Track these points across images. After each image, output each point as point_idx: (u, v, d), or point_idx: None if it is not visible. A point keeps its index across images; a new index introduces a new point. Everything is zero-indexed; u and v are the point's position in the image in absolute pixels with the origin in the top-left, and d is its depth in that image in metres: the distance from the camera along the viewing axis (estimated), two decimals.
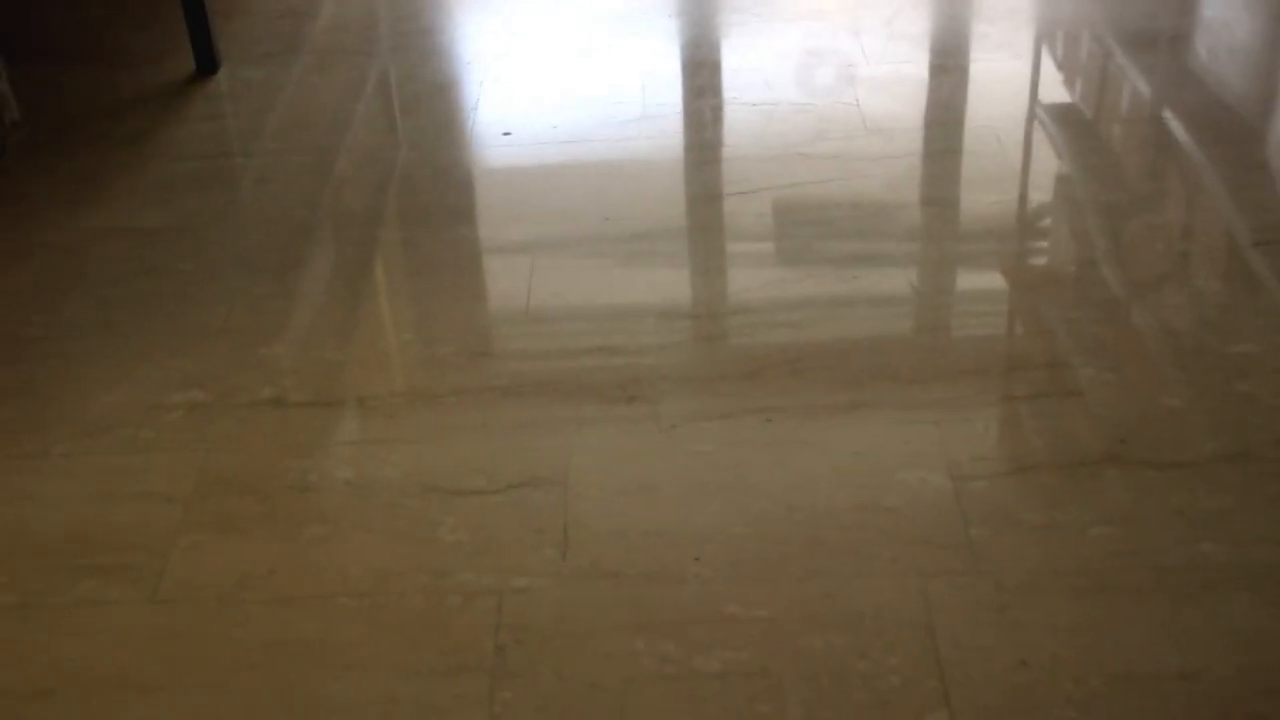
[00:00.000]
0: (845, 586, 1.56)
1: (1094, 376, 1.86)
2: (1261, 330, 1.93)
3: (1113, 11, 2.87)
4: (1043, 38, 2.79)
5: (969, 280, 2.10)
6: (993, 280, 2.09)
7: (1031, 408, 1.81)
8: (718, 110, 2.57)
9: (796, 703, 1.42)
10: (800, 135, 2.46)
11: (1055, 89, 2.61)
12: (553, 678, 1.45)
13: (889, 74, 2.65)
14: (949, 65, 2.71)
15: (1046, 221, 2.23)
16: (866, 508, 1.66)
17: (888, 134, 2.45)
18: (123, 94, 2.71)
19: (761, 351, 1.93)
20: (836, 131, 2.46)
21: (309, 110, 2.61)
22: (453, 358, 1.95)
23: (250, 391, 1.90)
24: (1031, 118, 2.50)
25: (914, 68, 2.68)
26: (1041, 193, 2.30)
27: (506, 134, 2.51)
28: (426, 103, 2.64)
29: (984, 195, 2.28)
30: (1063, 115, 2.51)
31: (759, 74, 2.68)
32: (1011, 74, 2.65)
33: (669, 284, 2.09)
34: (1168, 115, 2.48)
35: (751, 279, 2.10)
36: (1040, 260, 2.11)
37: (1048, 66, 2.68)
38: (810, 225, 2.20)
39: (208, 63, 2.75)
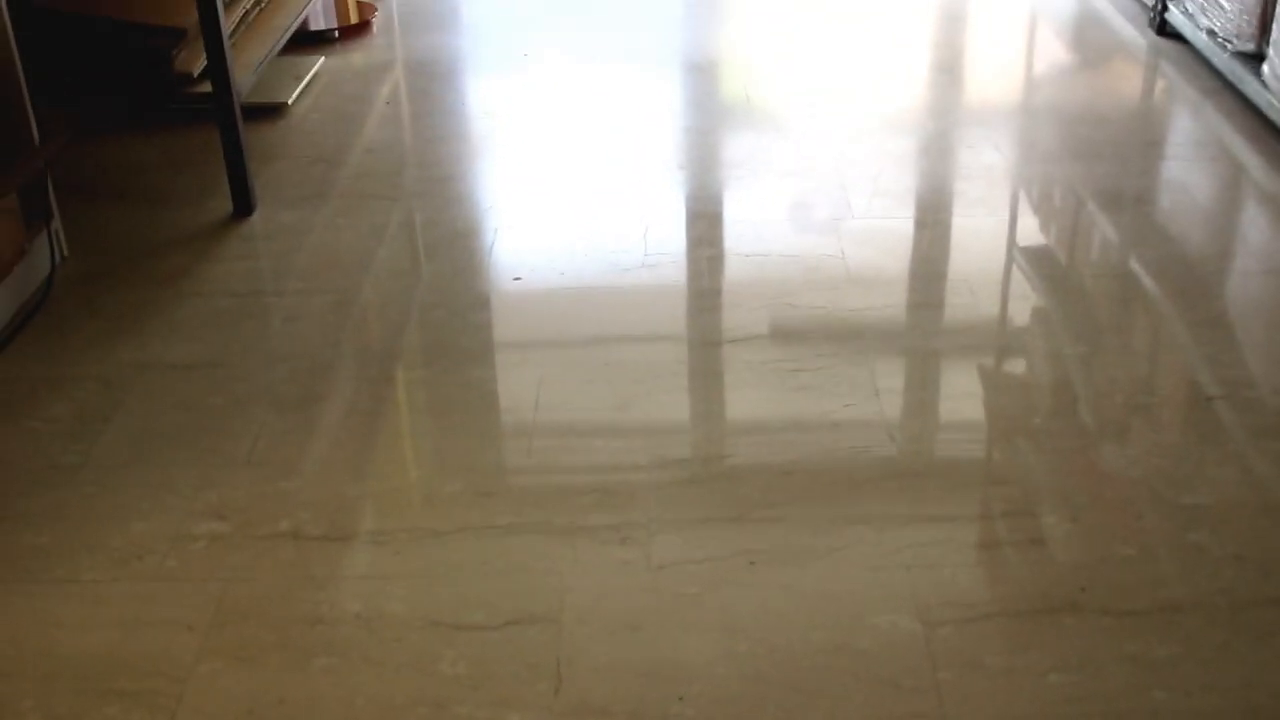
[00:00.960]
0: None
1: (1056, 525, 1.87)
2: (1212, 482, 1.95)
3: (1080, 171, 2.92)
4: (1017, 196, 2.84)
5: (941, 429, 2.12)
6: (963, 429, 2.12)
7: (997, 555, 1.83)
8: (714, 260, 2.61)
9: None
10: (789, 285, 2.49)
11: (1029, 243, 2.64)
12: None
13: (873, 228, 2.70)
14: (929, 220, 2.75)
15: (1016, 372, 2.25)
16: (840, 650, 1.67)
17: (870, 285, 2.49)
18: (164, 233, 2.76)
19: (746, 495, 1.95)
20: (823, 282, 2.50)
21: (335, 252, 2.66)
22: (459, 496, 1.97)
23: (269, 524, 1.92)
24: (1008, 271, 2.54)
25: (896, 222, 2.72)
26: (1013, 344, 2.33)
27: (517, 279, 2.56)
28: (445, 247, 2.68)
29: (958, 345, 2.31)
30: (1036, 268, 2.54)
31: (752, 225, 2.73)
32: (986, 230, 2.69)
33: (662, 428, 2.11)
34: (1132, 270, 2.51)
35: (738, 425, 2.13)
36: (1009, 409, 2.14)
37: (1022, 223, 2.73)
38: (794, 374, 2.23)
39: (244, 205, 2.81)
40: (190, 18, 2.71)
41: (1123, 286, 2.48)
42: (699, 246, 2.66)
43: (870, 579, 1.78)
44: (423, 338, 2.38)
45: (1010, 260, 2.58)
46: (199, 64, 2.77)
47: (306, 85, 3.46)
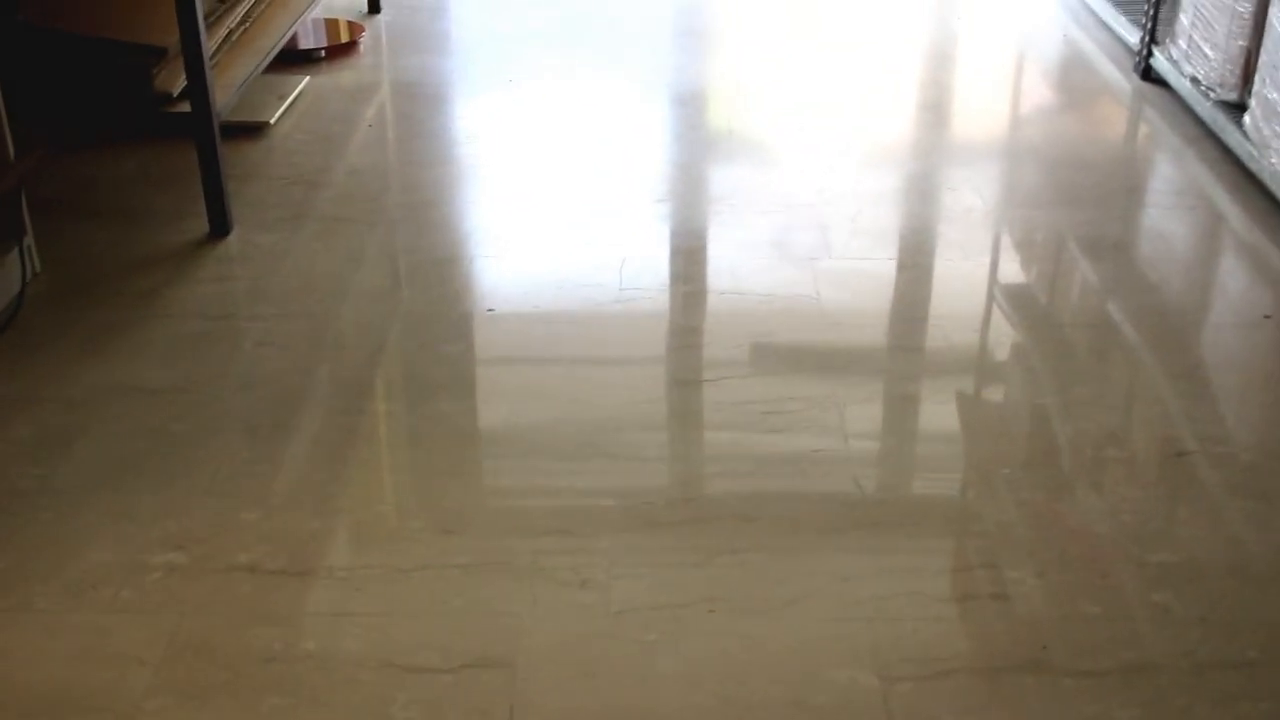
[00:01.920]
0: None
1: (1021, 580, 1.85)
2: (1180, 540, 1.93)
3: (1061, 217, 2.91)
4: (996, 241, 2.82)
5: (910, 477, 2.10)
6: (932, 478, 2.10)
7: (960, 609, 1.80)
8: (690, 297, 2.59)
9: None
10: (764, 325, 2.47)
11: (1008, 289, 2.63)
12: None
13: (850, 268, 2.68)
14: (907, 262, 2.74)
15: (988, 421, 2.23)
16: (798, 705, 1.65)
17: (845, 327, 2.47)
18: (139, 252, 2.73)
19: (709, 541, 1.93)
20: (798, 323, 2.48)
21: (311, 277, 2.64)
22: (420, 533, 1.95)
23: (227, 556, 1.89)
24: (986, 317, 2.52)
25: (874, 263, 2.71)
26: (986, 393, 2.31)
27: (490, 310, 2.53)
28: (422, 274, 2.66)
29: (931, 391, 2.29)
30: (1013, 315, 2.53)
31: (730, 262, 2.71)
32: (964, 274, 2.67)
33: (627, 469, 2.09)
34: (1110, 320, 2.50)
35: (704, 468, 2.11)
36: (979, 459, 2.12)
37: (1002, 268, 2.71)
38: (764, 417, 2.21)
39: (221, 226, 2.78)
40: (171, 36, 2.69)
41: (1099, 336, 2.46)
42: (675, 282, 2.64)
43: (831, 631, 1.76)
44: (394, 368, 2.36)
45: (989, 306, 2.56)
46: (179, 83, 2.75)
47: (290, 105, 3.44)
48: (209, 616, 1.79)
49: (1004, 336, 2.47)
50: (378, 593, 1.83)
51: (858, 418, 2.20)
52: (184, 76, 2.68)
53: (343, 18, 4.06)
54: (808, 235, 2.81)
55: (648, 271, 2.67)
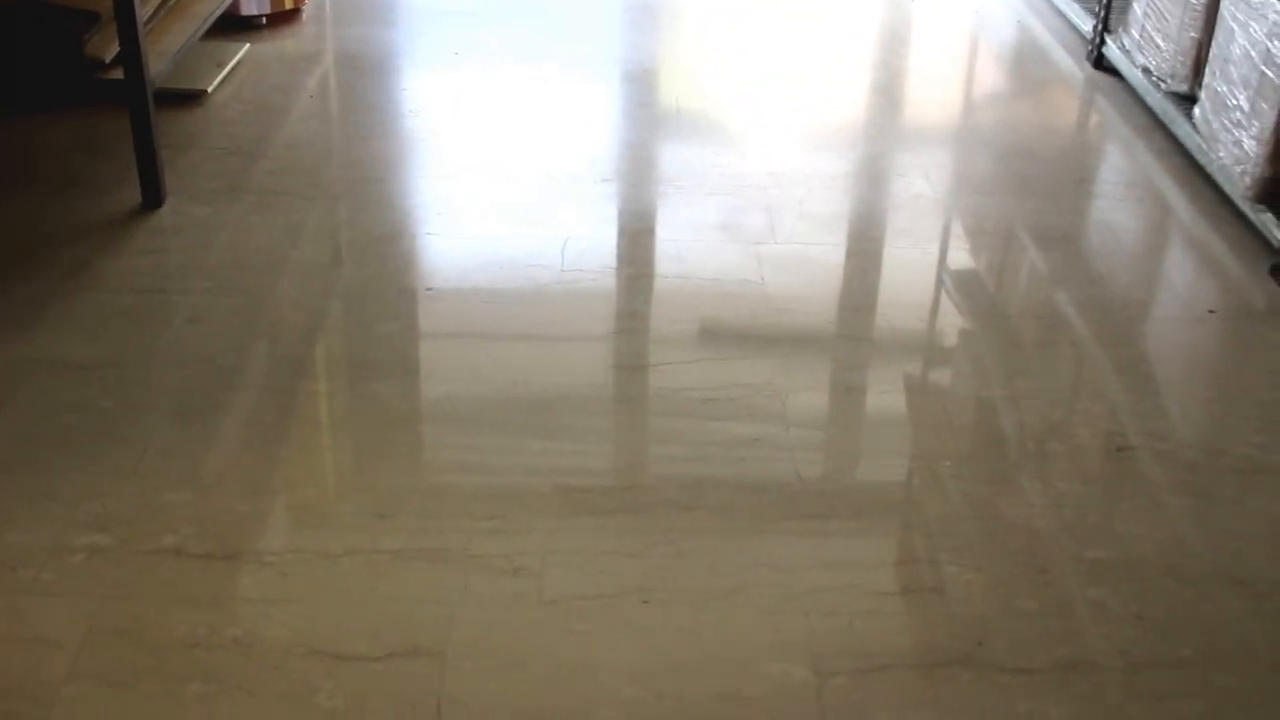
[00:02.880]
0: None
1: (958, 575, 1.86)
2: (1117, 537, 1.95)
3: (1010, 205, 2.91)
4: (946, 229, 2.83)
5: (850, 469, 2.10)
6: (872, 470, 2.10)
7: (896, 604, 1.81)
8: (632, 279, 2.58)
9: None
10: (706, 309, 2.47)
11: (954, 277, 2.63)
12: None
13: (795, 253, 2.68)
14: (853, 249, 2.74)
15: (930, 413, 2.24)
16: (730, 698, 1.65)
17: (788, 313, 2.47)
18: (68, 222, 2.68)
19: (645, 529, 1.92)
20: (741, 308, 2.48)
21: (246, 251, 2.60)
22: (351, 517, 1.93)
23: (152, 539, 1.87)
24: (933, 307, 2.52)
25: (819, 249, 2.70)
26: (928, 384, 2.32)
27: (429, 290, 2.51)
28: (360, 251, 2.63)
29: (873, 380, 2.29)
30: (958, 304, 2.53)
31: (674, 244, 2.70)
32: (910, 261, 2.68)
33: (564, 455, 2.08)
34: (1055, 312, 2.51)
35: (643, 454, 2.10)
36: (919, 451, 2.12)
37: (949, 256, 2.72)
38: (704, 403, 2.20)
39: (154, 197, 2.74)
40: (104, 1, 2.64)
41: (1045, 327, 2.47)
42: (619, 264, 2.63)
43: (767, 623, 1.76)
44: (329, 347, 2.33)
45: (936, 294, 2.57)
46: (111, 49, 2.70)
47: (229, 73, 3.39)
48: (132, 600, 1.76)
49: (950, 326, 2.48)
50: (306, 578, 1.81)
51: (800, 406, 2.20)
52: (117, 43, 2.63)
53: None
54: (755, 218, 2.80)
55: (591, 252, 2.65)
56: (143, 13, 2.65)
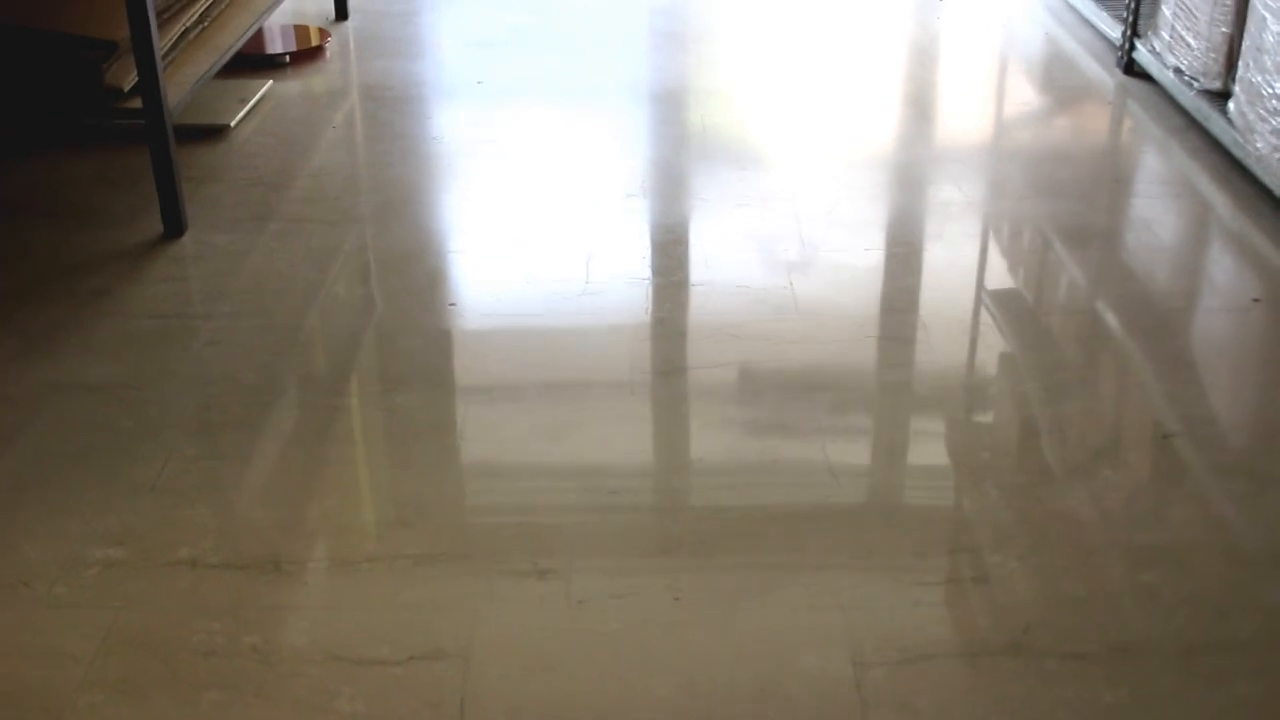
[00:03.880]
0: None
1: (1001, 564, 1.78)
2: (1167, 523, 1.86)
3: (1045, 209, 2.85)
4: (980, 233, 2.76)
5: (885, 467, 2.03)
6: (909, 467, 2.03)
7: (937, 594, 1.73)
8: (660, 289, 2.52)
9: None
10: (734, 317, 2.41)
11: (991, 279, 2.57)
12: None
13: (825, 261, 2.62)
14: (890, 252, 2.67)
15: (967, 408, 2.16)
16: (765, 693, 1.57)
17: (818, 318, 2.40)
18: (90, 252, 2.66)
19: (676, 531, 1.85)
20: (768, 314, 2.41)
21: (268, 276, 2.57)
22: (373, 526, 1.88)
23: (168, 551, 1.82)
24: (976, 309, 2.45)
25: (848, 256, 2.64)
26: (964, 380, 2.25)
27: (452, 304, 2.47)
28: (384, 272, 2.60)
29: (907, 381, 2.23)
30: (996, 304, 2.46)
31: (702, 257, 2.64)
32: (944, 265, 2.61)
33: (592, 462, 2.02)
34: (1095, 308, 2.44)
35: (673, 456, 2.04)
36: (958, 446, 2.05)
37: (985, 259, 2.65)
38: (736, 405, 2.14)
39: (175, 226, 2.72)
40: (123, 31, 2.63)
41: (1085, 324, 2.40)
42: (644, 276, 2.57)
43: (802, 619, 1.69)
44: (351, 363, 2.29)
45: (976, 294, 2.50)
46: (130, 78, 2.69)
47: (252, 109, 3.38)
48: (147, 611, 1.71)
49: (988, 323, 2.40)
50: (325, 586, 1.75)
51: (833, 407, 2.14)
52: (135, 72, 2.61)
53: (310, 25, 4.00)
54: (782, 228, 2.74)
55: (616, 267, 2.60)
56: (160, 41, 2.64)
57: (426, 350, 2.32)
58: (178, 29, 2.92)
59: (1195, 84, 3.17)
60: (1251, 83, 2.83)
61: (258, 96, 3.43)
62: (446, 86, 3.67)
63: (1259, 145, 2.79)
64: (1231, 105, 2.96)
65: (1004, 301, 2.48)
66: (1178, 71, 3.26)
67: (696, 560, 1.79)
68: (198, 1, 3.04)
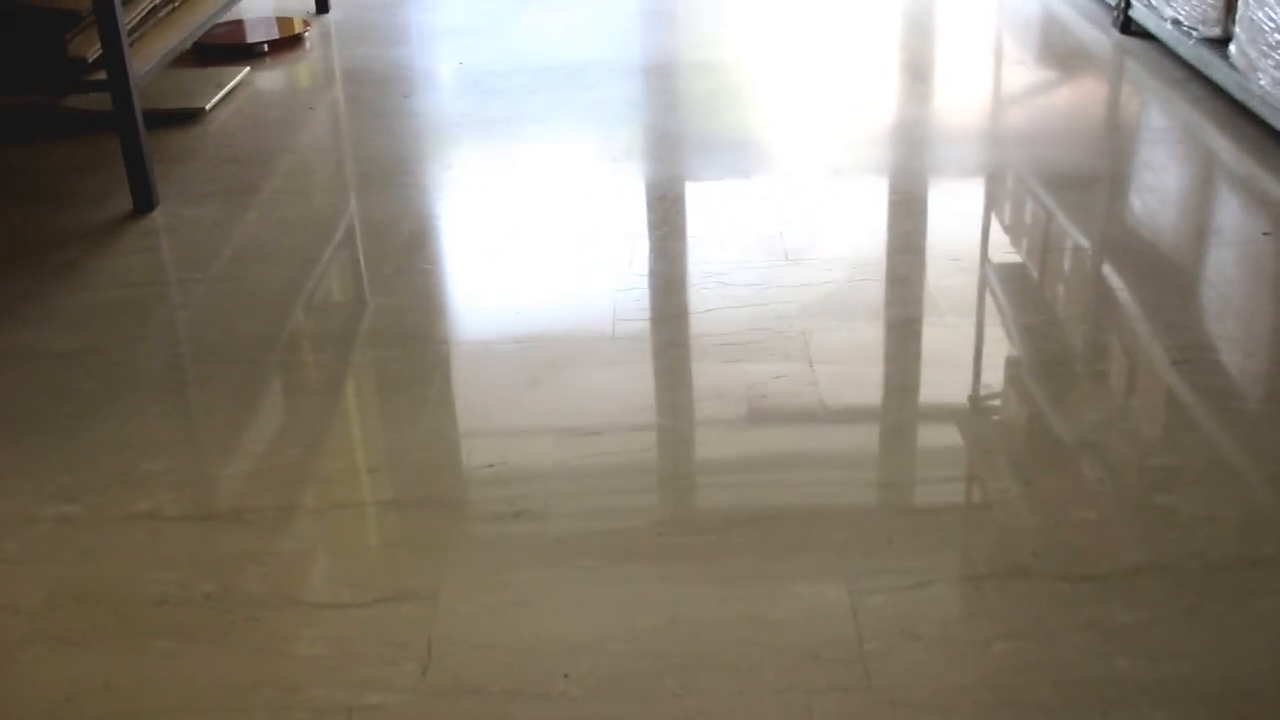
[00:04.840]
0: (724, 704, 1.35)
1: (1005, 489, 1.67)
2: (1181, 445, 1.75)
3: (1049, 156, 2.74)
4: (987, 177, 2.65)
5: (880, 394, 1.92)
6: (905, 396, 1.91)
7: (937, 520, 1.62)
8: (648, 243, 2.42)
9: None
10: (721, 265, 2.30)
11: (999, 221, 2.46)
12: None
13: (824, 212, 2.51)
14: (894, 199, 2.56)
15: (967, 341, 2.05)
16: (753, 621, 1.46)
17: (810, 264, 2.29)
18: (58, 230, 2.57)
19: (660, 466, 1.74)
20: (760, 260, 2.30)
21: (239, 244, 2.47)
22: (340, 473, 1.77)
23: (124, 505, 1.71)
24: (983, 247, 2.34)
25: (859, 198, 2.53)
26: (965, 313, 2.13)
27: (425, 269, 2.36)
28: (357, 235, 2.49)
29: (902, 311, 2.11)
30: (1004, 241, 2.35)
31: (692, 212, 2.54)
32: (946, 211, 2.50)
33: (571, 401, 1.91)
34: (1102, 244, 2.32)
35: (651, 398, 1.93)
36: (956, 380, 1.93)
37: (995, 198, 2.54)
38: (722, 347, 2.03)
39: (144, 201, 2.62)
40: (86, 2, 2.54)
41: (1092, 259, 2.29)
42: (632, 231, 2.47)
43: (794, 545, 1.57)
44: (324, 323, 2.18)
45: (982, 238, 2.39)
46: (94, 49, 2.59)
47: (229, 94, 3.29)
48: (99, 564, 1.60)
49: (995, 262, 2.29)
50: (287, 533, 1.64)
51: (822, 329, 2.03)
52: (99, 44, 2.52)
53: (291, 17, 3.92)
54: (779, 187, 2.64)
55: (602, 223, 2.50)
56: (127, 15, 2.56)
57: (402, 310, 2.21)
58: (146, 4, 2.83)
59: (1194, 33, 3.06)
60: (1252, 20, 2.72)
61: (234, 82, 3.34)
62: (427, 69, 3.57)
63: (1262, 82, 2.68)
64: (1232, 48, 2.85)
65: (1013, 238, 2.37)
66: (1175, 23, 3.16)
67: (681, 494, 1.68)
68: None
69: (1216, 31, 3.00)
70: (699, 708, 1.34)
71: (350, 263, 2.38)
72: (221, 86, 3.28)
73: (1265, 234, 2.33)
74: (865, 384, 1.93)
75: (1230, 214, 2.48)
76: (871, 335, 2.06)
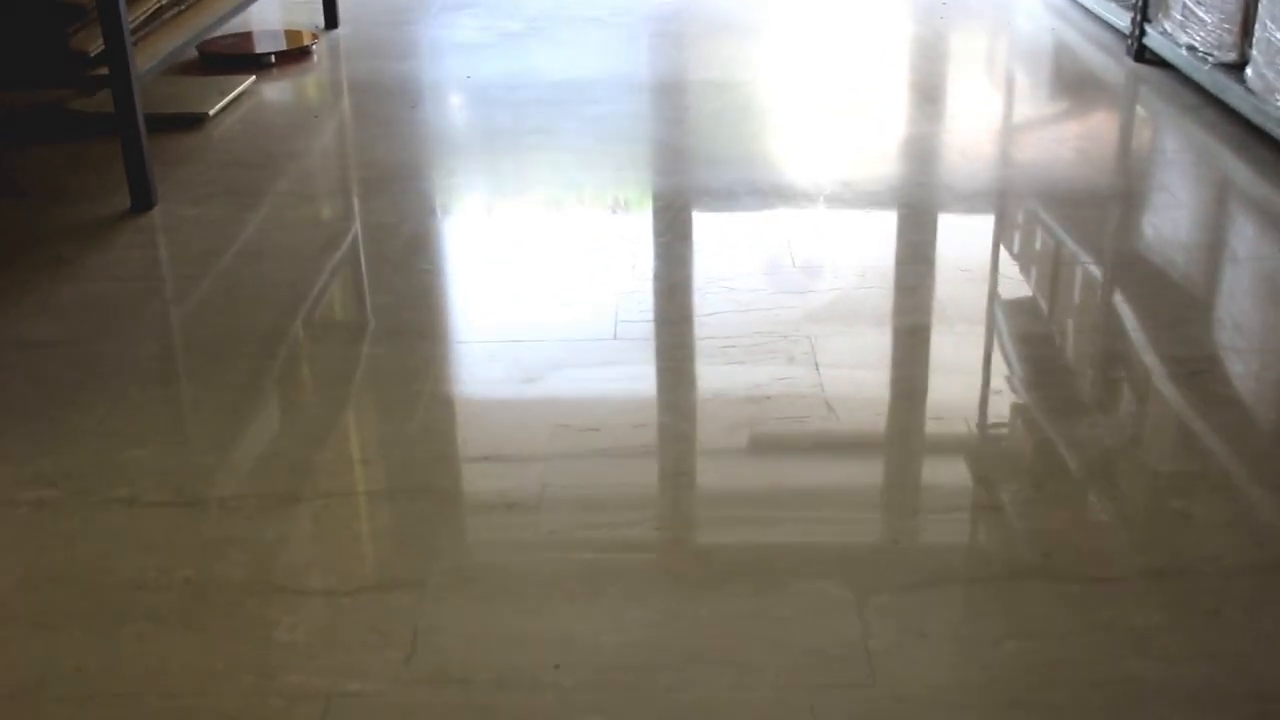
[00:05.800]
0: (722, 698, 1.28)
1: (1018, 492, 1.61)
2: (1197, 451, 1.69)
3: (1062, 178, 2.68)
4: (997, 193, 2.59)
5: (889, 398, 1.85)
6: (913, 400, 1.85)
7: (946, 522, 1.56)
8: (649, 247, 2.37)
9: None
10: (727, 270, 2.24)
11: (1011, 239, 2.40)
12: None
13: (832, 220, 2.46)
14: (903, 214, 2.51)
15: (979, 349, 1.99)
16: (754, 616, 1.39)
17: (821, 277, 2.24)
18: (55, 225, 2.52)
19: (660, 462, 1.68)
20: (762, 268, 2.25)
21: (239, 243, 2.42)
22: (329, 463, 1.71)
23: (105, 491, 1.65)
24: (995, 258, 2.28)
25: (865, 217, 2.48)
26: (978, 320, 2.06)
27: (426, 270, 2.31)
28: (358, 236, 2.44)
29: (919, 325, 2.05)
30: (1014, 257, 2.29)
31: (692, 220, 2.49)
32: (957, 224, 2.45)
33: (567, 397, 1.85)
34: (1117, 258, 2.26)
35: (657, 395, 1.87)
36: (966, 385, 1.87)
37: (1005, 214, 2.48)
38: (723, 349, 1.97)
39: (143, 199, 2.57)
40: None
41: (1107, 273, 2.23)
42: (633, 236, 2.42)
43: (797, 543, 1.51)
44: (319, 319, 2.13)
45: (993, 252, 2.33)
46: (97, 43, 2.55)
47: (234, 101, 3.25)
48: (75, 548, 1.54)
49: (1005, 273, 2.23)
50: (272, 520, 1.58)
51: (826, 335, 1.97)
52: (102, 38, 2.48)
53: (300, 30, 3.89)
54: (792, 189, 2.59)
55: (606, 229, 2.45)
56: (131, 13, 2.52)
57: (400, 308, 2.16)
58: (152, 4, 2.79)
59: (1210, 58, 3.02)
60: (1270, 41, 2.68)
61: (239, 90, 3.30)
62: (435, 82, 3.53)
63: None
64: (1249, 71, 2.81)
65: (1025, 252, 2.31)
66: (1191, 49, 3.12)
67: (681, 489, 1.62)
68: None
69: (1233, 56, 2.95)
70: (695, 702, 1.28)
71: (349, 263, 2.33)
72: (226, 94, 3.24)
73: None
74: (872, 387, 1.87)
75: (1248, 231, 2.42)
76: (879, 341, 2.00)
